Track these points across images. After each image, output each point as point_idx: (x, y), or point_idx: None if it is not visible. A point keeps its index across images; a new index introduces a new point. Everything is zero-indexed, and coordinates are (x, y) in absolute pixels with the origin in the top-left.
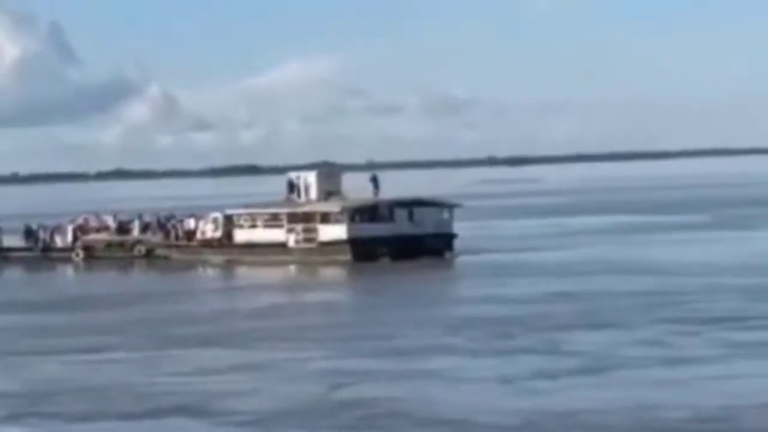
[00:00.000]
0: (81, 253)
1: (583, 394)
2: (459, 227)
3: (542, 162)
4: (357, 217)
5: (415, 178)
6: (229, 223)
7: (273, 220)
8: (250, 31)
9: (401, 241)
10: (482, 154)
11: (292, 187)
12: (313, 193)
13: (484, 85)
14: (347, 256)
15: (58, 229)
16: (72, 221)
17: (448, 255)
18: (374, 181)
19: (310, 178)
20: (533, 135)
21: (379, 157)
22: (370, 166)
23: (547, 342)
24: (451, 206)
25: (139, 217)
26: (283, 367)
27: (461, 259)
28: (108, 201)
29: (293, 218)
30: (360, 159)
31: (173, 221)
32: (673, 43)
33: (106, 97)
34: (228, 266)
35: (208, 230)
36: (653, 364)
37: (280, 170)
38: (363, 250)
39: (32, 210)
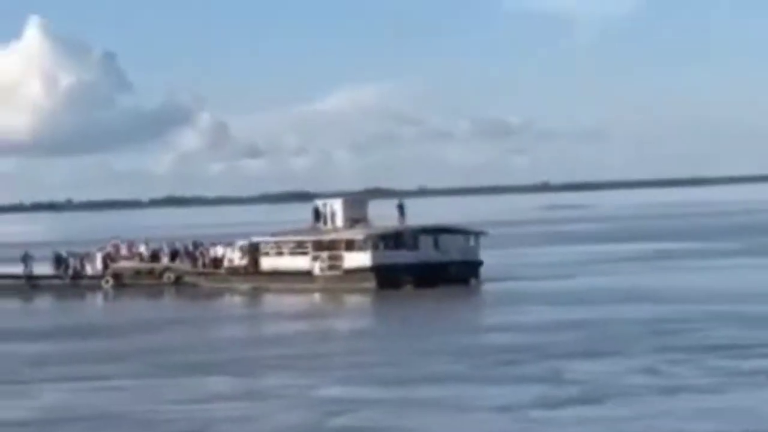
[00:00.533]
0: (110, 281)
1: (579, 424)
2: (494, 254)
3: (596, 188)
4: (381, 245)
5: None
6: (256, 250)
7: (298, 248)
8: (301, 58)
9: (426, 268)
10: (534, 180)
11: (318, 214)
12: (339, 221)
13: (535, 111)
14: (371, 284)
15: (88, 257)
16: (101, 249)
17: (473, 282)
18: (400, 208)
19: (336, 205)
20: (585, 160)
21: (431, 184)
22: (422, 193)
23: (550, 370)
24: (477, 233)
25: (169, 244)
26: (286, 395)
27: (486, 287)
28: (158, 228)
29: (318, 246)
30: (412, 185)
31: (201, 248)
32: (721, 69)
33: (158, 125)
34: (254, 294)
35: (235, 258)
36: (651, 393)
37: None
38: (387, 278)
39: (80, 237)
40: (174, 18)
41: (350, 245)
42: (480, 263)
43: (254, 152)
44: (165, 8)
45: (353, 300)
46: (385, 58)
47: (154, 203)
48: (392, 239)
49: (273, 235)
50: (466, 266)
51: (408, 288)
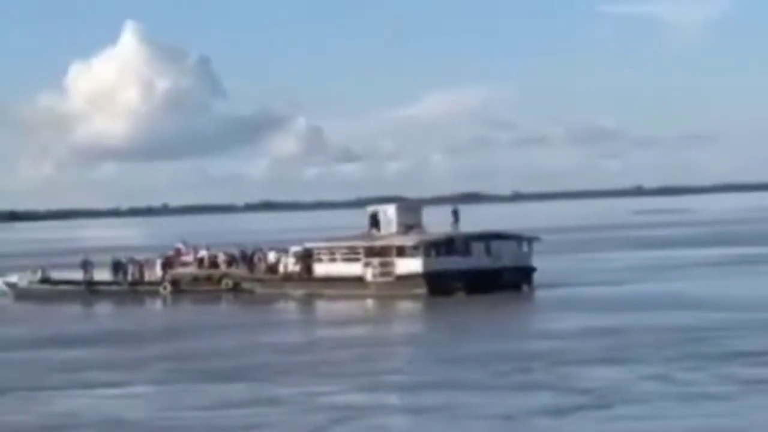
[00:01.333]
0: (168, 287)
1: None
2: (566, 259)
3: (691, 192)
4: (432, 251)
5: (563, 208)
6: (309, 256)
7: (351, 254)
8: (396, 62)
9: (477, 274)
10: (628, 185)
11: (375, 220)
12: (393, 227)
13: (629, 116)
14: (423, 290)
15: (148, 263)
16: (161, 255)
17: (525, 289)
18: (455, 214)
19: (390, 211)
20: (680, 165)
21: (525, 188)
22: (516, 197)
23: (563, 377)
24: (530, 239)
25: (227, 250)
26: (298, 401)
27: (540, 293)
28: (253, 233)
29: (370, 252)
30: (506, 190)
31: (258, 254)
32: None
33: (253, 130)
34: (307, 300)
35: (289, 264)
36: (663, 400)
37: (426, 201)
38: (438, 284)
39: (175, 241)
40: (269, 23)
41: (401, 251)
42: (533, 269)
43: (349, 157)
44: (260, 13)
45: (403, 306)
46: (481, 62)
47: (250, 208)
48: (444, 245)
49: (326, 240)
50: (519, 272)
51: (459, 294)
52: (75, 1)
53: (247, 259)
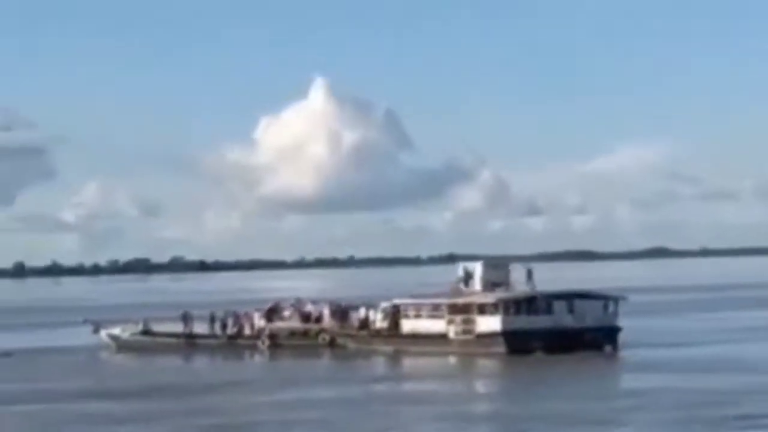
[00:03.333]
0: (266, 341)
1: None
2: (689, 318)
3: None
4: (512, 309)
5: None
6: (397, 312)
7: (435, 311)
8: (582, 115)
9: (558, 334)
10: None
11: (467, 277)
12: (478, 284)
13: None
14: (501, 348)
15: (247, 316)
16: (259, 309)
17: (608, 349)
18: (529, 274)
19: (476, 268)
20: None
21: (713, 244)
22: (704, 252)
23: None
24: (616, 299)
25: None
26: None
27: (623, 354)
28: (436, 285)
29: (453, 309)
30: (693, 245)
31: (349, 310)
32: None
33: (438, 182)
34: (395, 356)
35: (378, 320)
36: None
37: (613, 256)
38: (517, 343)
39: (358, 293)
40: (455, 75)
41: (482, 309)
42: (618, 329)
43: (534, 210)
44: (446, 65)
45: (481, 364)
46: (666, 115)
47: (434, 260)
48: (525, 304)
49: (413, 297)
50: (602, 332)
51: (538, 354)
52: (265, 57)
53: (339, 314)
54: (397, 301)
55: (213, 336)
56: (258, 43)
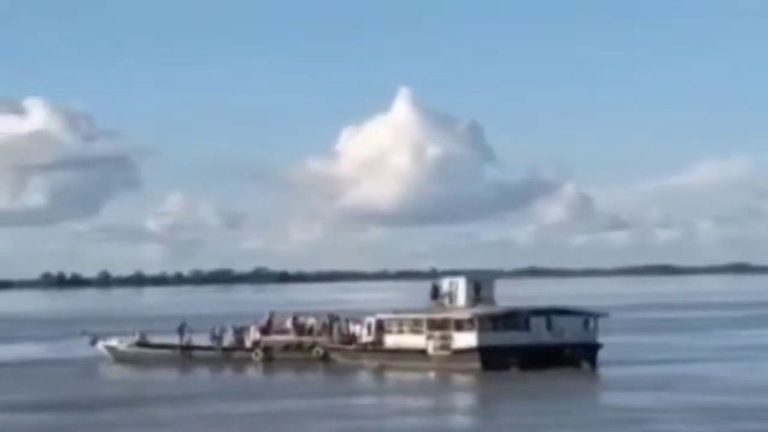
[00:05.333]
0: (260, 354)
1: None
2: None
3: None
4: (488, 325)
5: None
6: (381, 328)
7: (416, 326)
8: (665, 130)
9: (535, 350)
10: None
11: (436, 292)
12: (462, 300)
13: None
14: (477, 364)
15: (245, 330)
16: (256, 322)
17: (585, 366)
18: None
19: (460, 284)
20: None
21: None
22: None
23: None
24: (596, 315)
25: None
26: None
27: (601, 371)
28: (518, 299)
29: (432, 325)
30: None
31: (338, 324)
32: None
33: (522, 196)
34: (379, 371)
35: (363, 334)
36: None
37: (694, 271)
38: (493, 359)
39: None
40: (540, 88)
41: (459, 325)
42: (598, 346)
43: (618, 224)
44: (531, 79)
45: (454, 380)
46: (749, 131)
47: (517, 274)
48: (501, 320)
49: (395, 312)
50: (581, 349)
51: (514, 370)
52: (349, 68)
53: (328, 328)
54: (380, 315)
55: (209, 348)
56: (342, 54)
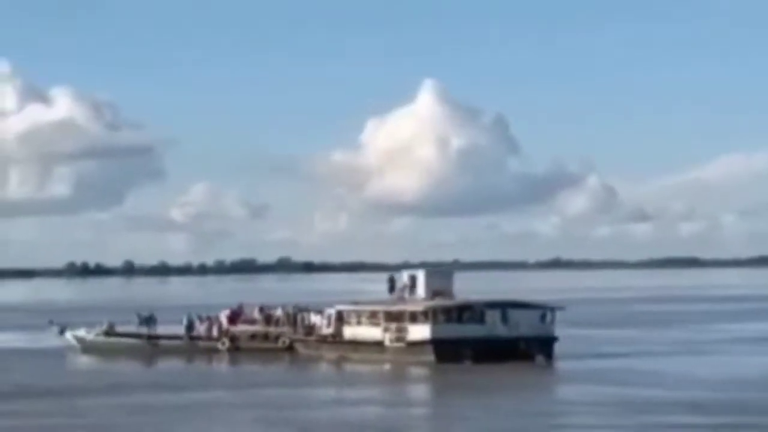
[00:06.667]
0: (227, 343)
1: None
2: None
3: None
4: (442, 318)
5: None
6: (340, 319)
7: (373, 318)
8: (690, 123)
9: (490, 343)
10: None
11: (392, 285)
12: (422, 292)
13: None
14: (431, 357)
15: (215, 319)
16: (225, 312)
17: (539, 359)
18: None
19: (420, 276)
20: None
21: None
22: None
23: None
24: (552, 309)
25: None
26: None
27: (558, 364)
28: (539, 291)
29: (388, 317)
30: None
31: (302, 314)
32: None
33: (546, 187)
34: (339, 363)
35: (323, 326)
36: None
37: (719, 264)
38: (446, 351)
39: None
40: (565, 81)
41: (414, 317)
42: (553, 339)
43: (641, 217)
44: (556, 71)
45: (410, 372)
46: None
47: (540, 265)
48: (456, 312)
49: (353, 303)
50: (536, 342)
51: (467, 363)
52: (373, 60)
53: (291, 319)
54: (339, 307)
55: (175, 337)
56: (367, 46)
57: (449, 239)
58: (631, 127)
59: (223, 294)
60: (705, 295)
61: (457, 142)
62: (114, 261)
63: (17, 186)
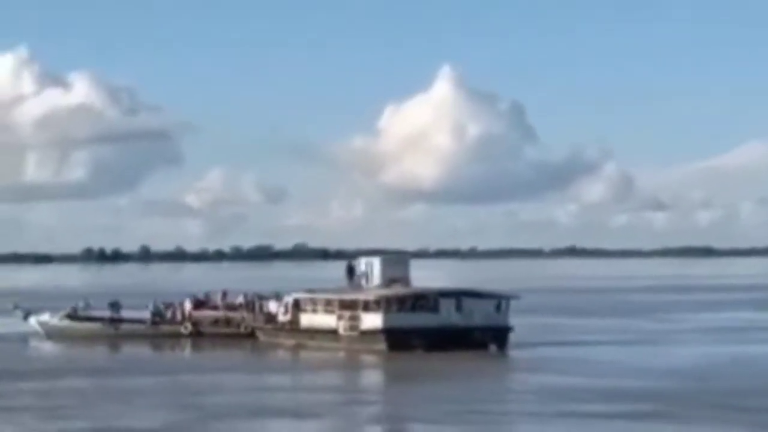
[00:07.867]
0: (189, 328)
1: None
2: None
3: None
4: (394, 307)
5: None
6: (297, 307)
7: (328, 306)
8: (708, 112)
9: (443, 332)
10: None
11: (351, 272)
12: (377, 280)
13: None
14: (383, 345)
15: (180, 305)
16: (191, 298)
17: (492, 349)
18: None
19: (375, 264)
20: None
21: None
22: None
23: None
24: (508, 298)
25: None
26: None
27: (512, 353)
28: (556, 278)
29: (342, 305)
30: None
31: (260, 302)
32: None
33: (562, 175)
34: (295, 350)
35: (281, 313)
36: None
37: (736, 253)
38: (398, 340)
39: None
40: (582, 68)
41: (366, 306)
42: (508, 329)
43: (658, 205)
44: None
45: (364, 360)
46: None
47: (556, 253)
48: (409, 301)
49: (309, 291)
50: (489, 332)
51: (418, 352)
52: (391, 46)
53: (251, 306)
54: (296, 295)
55: (138, 321)
56: (384, 32)
57: (466, 226)
58: (650, 115)
59: (237, 281)
60: (709, 284)
61: (474, 128)
62: (131, 246)
63: (34, 171)
